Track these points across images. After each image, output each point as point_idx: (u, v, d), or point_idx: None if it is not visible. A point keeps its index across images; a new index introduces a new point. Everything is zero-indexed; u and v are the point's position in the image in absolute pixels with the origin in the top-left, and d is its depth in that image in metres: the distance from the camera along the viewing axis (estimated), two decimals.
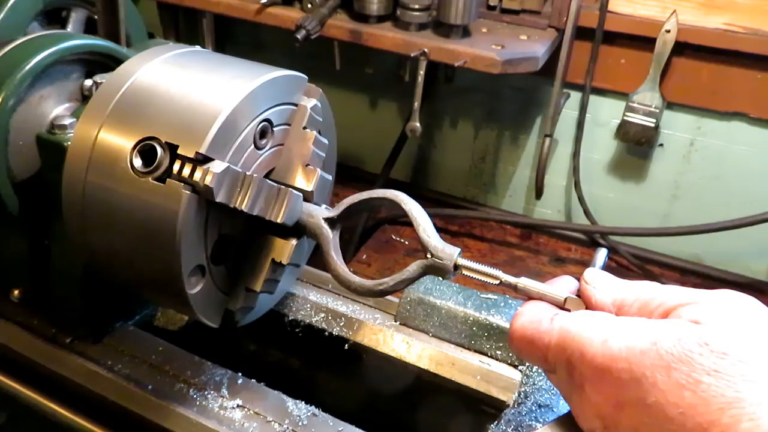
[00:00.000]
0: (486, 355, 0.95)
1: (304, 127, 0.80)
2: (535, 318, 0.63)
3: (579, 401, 0.59)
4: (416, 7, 2.08)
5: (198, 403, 0.85)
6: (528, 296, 0.67)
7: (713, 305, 0.55)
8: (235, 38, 2.89)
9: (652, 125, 2.25)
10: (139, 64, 0.76)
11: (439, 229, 0.72)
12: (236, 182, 0.70)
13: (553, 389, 0.83)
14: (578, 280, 0.66)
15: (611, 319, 0.58)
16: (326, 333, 1.00)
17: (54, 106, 0.91)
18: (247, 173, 0.72)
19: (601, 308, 0.62)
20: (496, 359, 0.94)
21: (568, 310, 0.64)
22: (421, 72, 2.07)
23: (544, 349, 0.61)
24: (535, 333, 0.62)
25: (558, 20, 2.21)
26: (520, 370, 0.91)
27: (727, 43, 2.12)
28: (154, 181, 0.68)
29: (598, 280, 0.64)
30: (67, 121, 0.84)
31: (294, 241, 0.79)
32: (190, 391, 0.86)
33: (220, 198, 0.68)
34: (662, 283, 0.62)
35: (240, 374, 0.89)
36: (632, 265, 2.45)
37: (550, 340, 0.60)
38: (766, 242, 2.34)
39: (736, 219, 2.13)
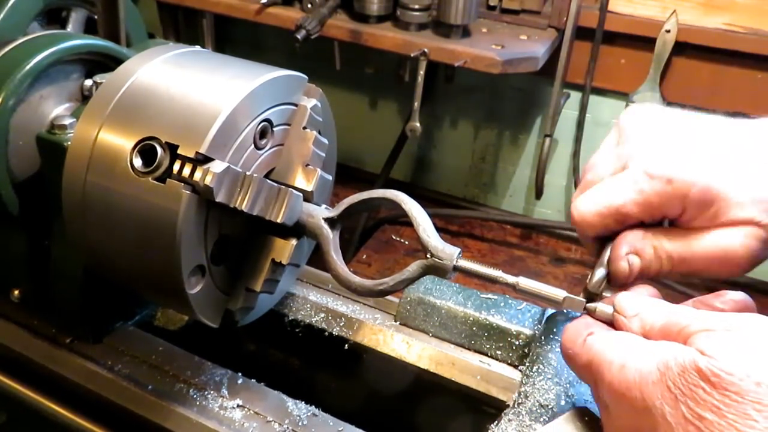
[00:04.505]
0: (486, 355, 0.95)
1: (304, 127, 0.80)
2: (573, 337, 0.65)
3: (606, 419, 0.61)
4: (416, 7, 2.08)
5: (198, 403, 0.85)
6: (527, 296, 0.67)
7: (727, 334, 0.53)
8: (235, 38, 2.89)
9: None
10: (139, 64, 0.76)
11: (439, 229, 0.72)
12: (236, 182, 0.70)
13: (552, 389, 0.83)
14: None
15: (632, 343, 0.59)
16: (326, 333, 1.00)
17: (54, 106, 0.91)
18: (247, 173, 0.71)
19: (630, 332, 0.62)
20: (496, 359, 0.94)
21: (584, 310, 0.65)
22: (421, 72, 2.07)
23: (580, 368, 0.64)
24: (571, 352, 0.65)
25: (558, 20, 2.21)
26: (520, 370, 0.91)
27: (727, 43, 2.12)
28: (154, 181, 0.68)
29: (629, 306, 0.63)
30: (67, 121, 0.83)
31: (294, 241, 0.79)
32: (190, 391, 0.86)
33: (220, 198, 0.68)
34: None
35: (240, 374, 0.89)
36: None
37: (581, 361, 0.63)
38: None
39: None
